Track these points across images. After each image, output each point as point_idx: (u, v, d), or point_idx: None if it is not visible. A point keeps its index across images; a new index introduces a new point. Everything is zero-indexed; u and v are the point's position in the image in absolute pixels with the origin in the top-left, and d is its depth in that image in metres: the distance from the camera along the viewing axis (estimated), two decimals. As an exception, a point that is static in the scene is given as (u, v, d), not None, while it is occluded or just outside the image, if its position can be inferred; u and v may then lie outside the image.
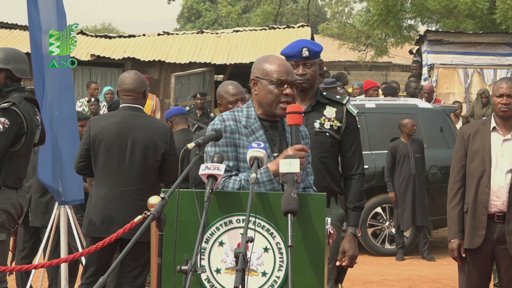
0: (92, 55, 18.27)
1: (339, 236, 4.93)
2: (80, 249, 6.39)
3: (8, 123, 5.65)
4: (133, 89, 5.89)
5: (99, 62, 18.38)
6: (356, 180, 4.88)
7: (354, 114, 4.90)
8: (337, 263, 4.86)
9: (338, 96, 4.97)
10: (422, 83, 17.19)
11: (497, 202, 5.30)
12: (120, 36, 20.76)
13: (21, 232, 7.17)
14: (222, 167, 3.62)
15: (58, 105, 6.52)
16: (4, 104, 5.69)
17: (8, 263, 6.68)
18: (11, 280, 7.30)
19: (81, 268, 6.44)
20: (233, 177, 3.82)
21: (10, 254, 6.65)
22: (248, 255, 3.34)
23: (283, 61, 4.01)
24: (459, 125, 13.37)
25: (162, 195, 3.49)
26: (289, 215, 3.45)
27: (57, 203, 6.59)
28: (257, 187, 3.76)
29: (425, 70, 18.01)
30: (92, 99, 14.49)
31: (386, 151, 10.42)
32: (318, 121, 4.81)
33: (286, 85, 3.90)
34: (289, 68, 3.97)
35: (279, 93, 3.89)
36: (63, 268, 6.55)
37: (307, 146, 3.96)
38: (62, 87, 6.60)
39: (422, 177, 10.35)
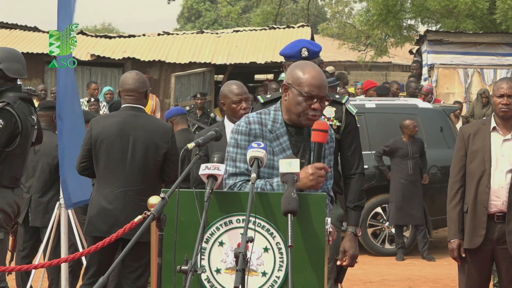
0: (92, 55, 18.26)
1: (339, 236, 4.94)
2: (81, 249, 6.39)
3: (2, 123, 5.64)
4: (134, 89, 5.89)
5: (99, 62, 18.38)
6: (356, 179, 4.89)
7: (354, 114, 4.91)
8: (338, 263, 4.86)
9: (337, 96, 4.98)
10: (422, 83, 17.19)
11: (497, 202, 5.30)
12: (120, 36, 20.75)
13: (21, 232, 7.17)
14: (222, 167, 3.61)
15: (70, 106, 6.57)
16: None
17: (8, 262, 6.68)
18: (11, 280, 7.30)
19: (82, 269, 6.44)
20: (250, 183, 3.66)
21: (9, 254, 6.65)
22: (248, 255, 3.34)
23: (318, 73, 3.86)
24: (459, 125, 13.37)
25: (162, 195, 3.49)
26: (289, 215, 3.45)
27: (58, 203, 6.59)
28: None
29: (425, 70, 18.01)
30: (92, 99, 14.49)
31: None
32: (317, 121, 4.81)
33: (316, 100, 3.83)
34: (323, 82, 3.84)
35: (307, 107, 3.82)
36: (63, 268, 6.55)
37: (331, 150, 3.96)
38: (71, 87, 6.62)
39: (418, 178, 10.37)
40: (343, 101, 4.91)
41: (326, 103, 3.91)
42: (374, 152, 10.45)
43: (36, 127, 5.93)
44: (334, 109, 4.87)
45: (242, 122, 3.88)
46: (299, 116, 3.84)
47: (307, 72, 3.84)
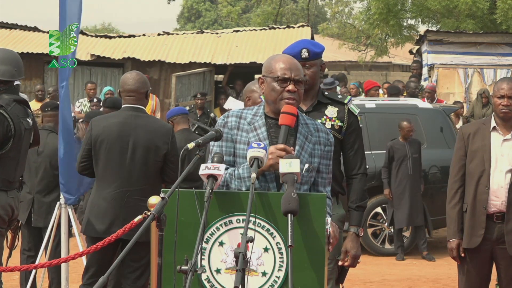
0: (92, 55, 18.26)
1: (340, 236, 4.93)
2: (81, 249, 6.40)
3: None
4: (135, 90, 5.89)
5: (99, 62, 18.37)
6: (358, 179, 4.88)
7: (356, 114, 4.90)
8: (340, 263, 4.85)
9: (339, 96, 4.97)
10: (422, 83, 17.19)
11: (496, 202, 5.30)
12: (120, 36, 20.75)
13: (25, 233, 7.19)
14: (222, 167, 3.62)
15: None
16: None
17: (6, 260, 6.68)
18: (14, 281, 7.31)
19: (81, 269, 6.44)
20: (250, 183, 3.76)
21: (7, 251, 6.64)
22: (248, 255, 3.35)
23: (289, 58, 4.00)
24: (459, 125, 13.37)
25: (162, 195, 3.49)
26: (289, 215, 3.45)
27: (58, 203, 6.59)
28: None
29: (425, 70, 18.01)
30: (95, 100, 14.49)
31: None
32: (319, 120, 4.80)
33: (289, 82, 3.90)
34: (294, 66, 3.95)
35: (282, 90, 3.90)
36: (63, 268, 6.55)
37: (327, 154, 3.98)
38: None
39: (418, 178, 10.37)
40: (345, 101, 4.90)
41: (303, 87, 3.95)
42: (373, 152, 10.45)
43: (31, 129, 5.89)
44: (336, 109, 4.86)
45: (222, 116, 4.02)
46: (276, 103, 3.92)
47: (277, 59, 3.98)
